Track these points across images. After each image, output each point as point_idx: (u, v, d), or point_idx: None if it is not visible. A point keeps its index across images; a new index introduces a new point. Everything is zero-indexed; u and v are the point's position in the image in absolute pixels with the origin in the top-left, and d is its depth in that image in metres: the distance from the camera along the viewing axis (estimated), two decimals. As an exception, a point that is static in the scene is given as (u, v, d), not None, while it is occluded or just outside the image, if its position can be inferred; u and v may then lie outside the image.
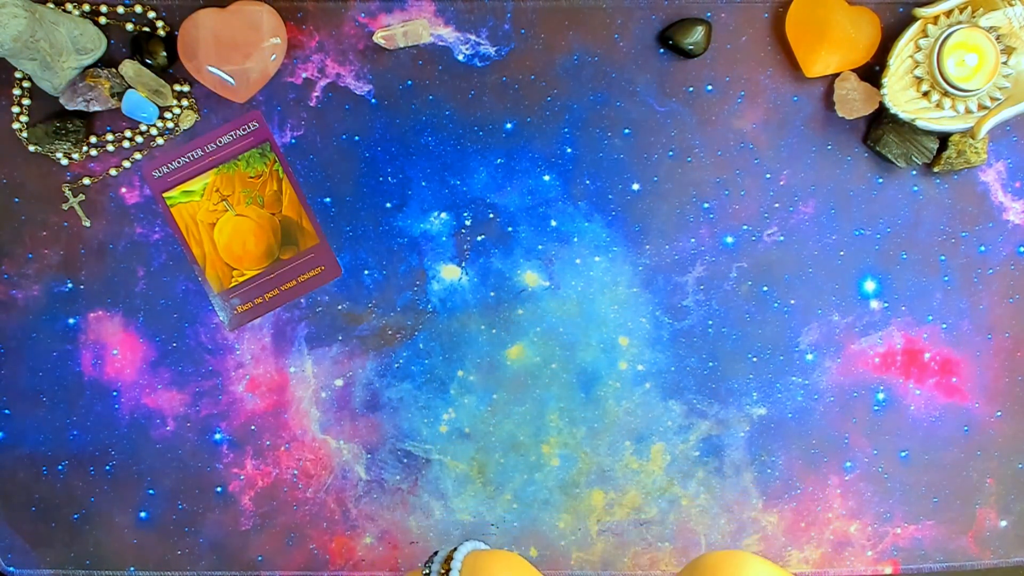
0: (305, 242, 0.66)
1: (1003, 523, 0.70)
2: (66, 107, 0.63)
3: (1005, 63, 0.62)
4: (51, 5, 0.62)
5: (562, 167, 0.66)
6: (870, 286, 0.68)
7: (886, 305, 0.68)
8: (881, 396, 0.69)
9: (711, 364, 0.68)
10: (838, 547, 0.70)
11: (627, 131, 0.66)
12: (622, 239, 0.67)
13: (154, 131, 0.65)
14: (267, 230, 0.66)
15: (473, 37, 0.65)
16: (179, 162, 0.65)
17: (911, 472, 0.70)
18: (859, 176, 0.67)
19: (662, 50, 0.65)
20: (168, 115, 0.64)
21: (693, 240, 0.67)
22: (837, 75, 0.65)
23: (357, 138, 0.66)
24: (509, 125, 0.66)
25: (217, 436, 0.68)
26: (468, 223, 0.67)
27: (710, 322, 0.68)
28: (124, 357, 0.67)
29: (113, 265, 0.66)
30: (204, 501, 0.68)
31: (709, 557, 0.51)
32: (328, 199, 0.66)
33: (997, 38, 0.61)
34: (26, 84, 0.64)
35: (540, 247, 0.67)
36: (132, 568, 0.69)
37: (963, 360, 0.69)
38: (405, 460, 0.68)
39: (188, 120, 0.65)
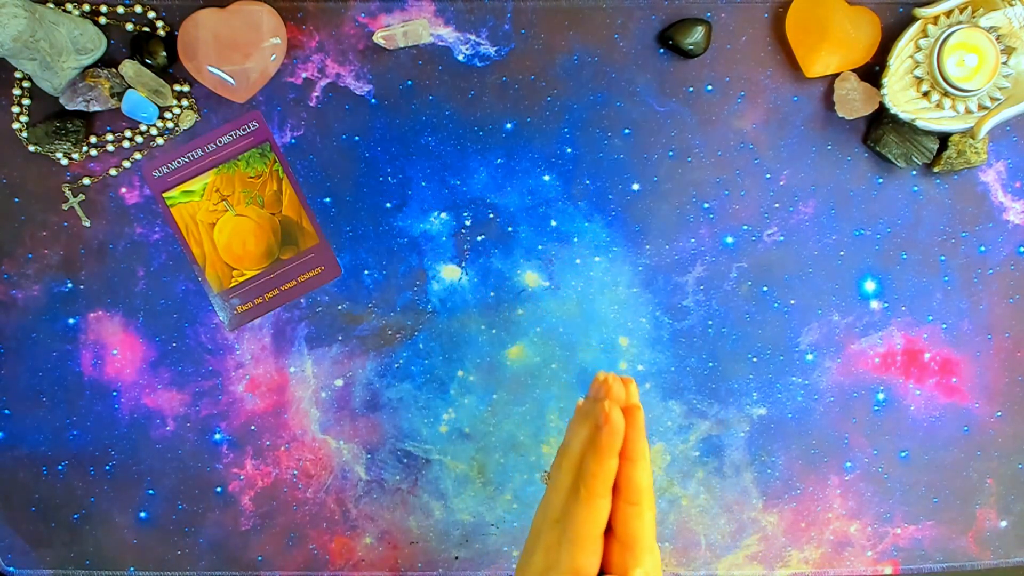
0: (305, 242, 0.66)
1: (1003, 523, 0.70)
2: (66, 107, 0.62)
3: (1005, 63, 0.62)
4: (51, 5, 0.62)
5: (562, 167, 0.66)
6: (870, 286, 0.68)
7: (886, 305, 0.68)
8: (881, 396, 0.69)
9: (711, 364, 0.68)
10: (838, 547, 0.70)
11: (627, 131, 0.66)
12: (622, 239, 0.67)
13: (154, 131, 0.65)
14: (267, 230, 0.66)
15: (473, 37, 0.65)
16: (179, 162, 0.65)
17: (911, 472, 0.70)
18: (859, 176, 0.67)
19: (662, 50, 0.65)
20: (168, 115, 0.64)
21: (693, 240, 0.67)
22: (837, 75, 0.65)
23: (357, 138, 0.66)
24: (509, 125, 0.66)
25: (217, 436, 0.68)
26: (468, 223, 0.67)
27: (710, 322, 0.68)
28: (124, 357, 0.67)
29: (113, 265, 0.66)
30: (204, 501, 0.68)
31: None
32: (328, 199, 0.66)
33: (997, 38, 0.61)
34: (26, 84, 0.64)
35: (540, 247, 0.67)
36: (132, 568, 0.69)
37: (963, 360, 0.69)
38: (405, 460, 0.68)
39: (188, 120, 0.65)
